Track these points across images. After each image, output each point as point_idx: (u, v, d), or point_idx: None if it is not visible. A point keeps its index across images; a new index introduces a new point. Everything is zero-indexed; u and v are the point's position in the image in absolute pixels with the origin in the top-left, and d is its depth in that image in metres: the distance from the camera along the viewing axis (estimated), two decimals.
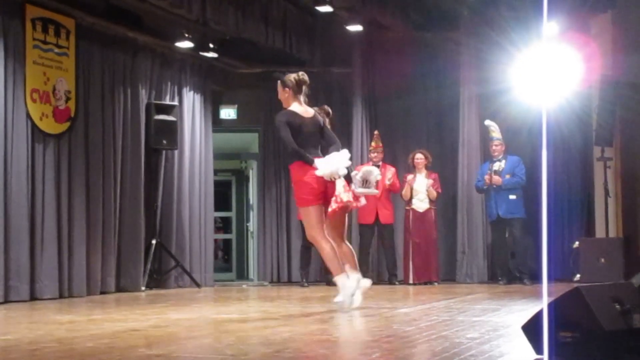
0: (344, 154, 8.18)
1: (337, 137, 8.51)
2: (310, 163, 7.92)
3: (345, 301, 7.92)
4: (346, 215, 9.00)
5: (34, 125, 10.41)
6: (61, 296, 10.57)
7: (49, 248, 10.52)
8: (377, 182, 9.98)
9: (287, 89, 8.12)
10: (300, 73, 8.17)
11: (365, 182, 8.69)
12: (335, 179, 8.05)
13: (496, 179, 12.68)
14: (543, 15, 4.19)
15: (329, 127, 8.58)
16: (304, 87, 8.18)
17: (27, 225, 10.21)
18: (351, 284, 7.98)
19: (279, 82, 8.17)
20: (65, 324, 7.31)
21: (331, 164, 7.96)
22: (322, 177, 7.92)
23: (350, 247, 8.94)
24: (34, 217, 10.38)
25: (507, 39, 12.37)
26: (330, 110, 9.00)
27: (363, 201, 9.16)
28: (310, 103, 14.37)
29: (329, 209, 8.40)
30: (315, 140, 8.14)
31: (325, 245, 7.99)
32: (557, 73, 10.85)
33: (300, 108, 8.12)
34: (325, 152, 8.16)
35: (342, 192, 8.75)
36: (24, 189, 10.20)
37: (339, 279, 7.98)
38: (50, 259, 10.49)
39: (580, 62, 11.62)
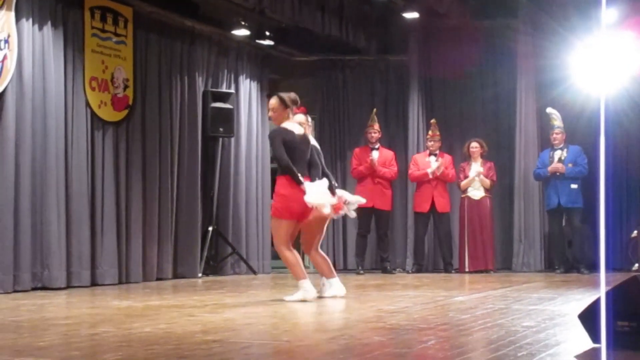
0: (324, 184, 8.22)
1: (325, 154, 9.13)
2: (299, 183, 8.05)
3: (294, 299, 8.06)
4: (324, 226, 8.93)
5: (93, 113, 10.53)
6: (120, 282, 10.69)
7: (109, 235, 10.64)
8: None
9: (287, 109, 8.29)
10: (294, 94, 8.39)
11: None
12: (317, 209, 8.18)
13: (559, 166, 12.55)
14: (602, 1, 4.14)
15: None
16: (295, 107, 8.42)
17: (87, 212, 10.34)
18: (312, 293, 8.10)
19: (279, 100, 8.30)
20: (124, 309, 7.40)
21: (321, 197, 8.05)
22: (302, 200, 8.02)
23: (323, 254, 8.88)
24: (94, 204, 10.51)
25: (565, 27, 12.26)
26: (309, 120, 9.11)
27: (352, 214, 9.17)
28: (368, 91, 14.47)
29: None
30: (304, 158, 8.30)
31: (288, 254, 8.16)
32: (617, 61, 10.72)
33: (294, 126, 8.29)
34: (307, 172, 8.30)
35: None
36: (84, 176, 10.33)
37: (302, 283, 8.11)
38: (109, 246, 10.62)
39: None
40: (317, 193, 8.03)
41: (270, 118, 8.56)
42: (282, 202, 8.11)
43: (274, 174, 14.71)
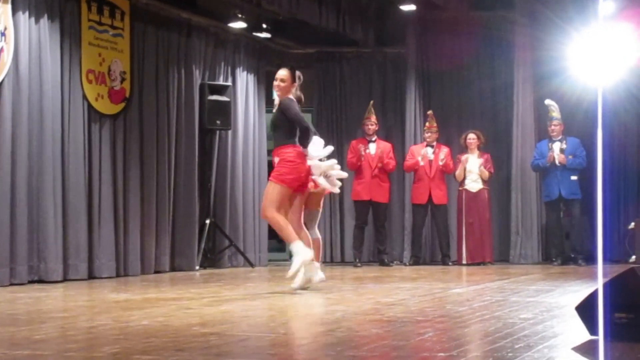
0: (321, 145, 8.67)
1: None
2: (306, 147, 8.36)
3: (296, 272, 8.12)
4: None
5: (90, 106, 10.51)
6: (118, 275, 10.69)
7: (106, 227, 10.63)
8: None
9: (294, 84, 8.49)
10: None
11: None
12: (321, 175, 8.57)
13: (562, 157, 12.55)
14: None
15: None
16: None
17: (84, 204, 10.33)
18: (309, 253, 8.11)
19: (291, 73, 8.48)
20: (121, 302, 7.40)
21: (328, 165, 8.61)
22: (309, 170, 8.35)
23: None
24: (91, 197, 10.50)
25: (562, 18, 12.24)
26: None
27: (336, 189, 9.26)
28: (365, 83, 14.46)
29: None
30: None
31: (279, 217, 8.15)
32: (614, 52, 10.69)
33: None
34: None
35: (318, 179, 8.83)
36: (81, 169, 10.32)
37: (295, 246, 8.08)
38: (107, 238, 10.61)
39: (638, 41, 11.45)
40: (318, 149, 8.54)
41: (275, 88, 8.53)
42: (289, 170, 8.17)
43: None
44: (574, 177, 12.59)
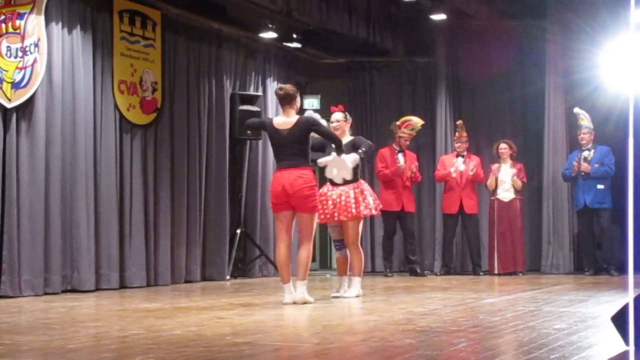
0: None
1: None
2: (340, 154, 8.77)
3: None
4: None
5: (121, 116, 10.58)
6: (149, 284, 10.72)
7: (137, 237, 10.68)
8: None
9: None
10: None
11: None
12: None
13: (585, 166, 12.45)
14: (631, 1, 4.12)
15: None
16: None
17: (116, 214, 10.38)
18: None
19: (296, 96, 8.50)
20: (153, 312, 7.42)
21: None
22: None
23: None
24: (122, 206, 10.56)
25: (594, 27, 12.19)
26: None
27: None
28: (395, 93, 14.43)
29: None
30: None
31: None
32: None
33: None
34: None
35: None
36: (113, 179, 10.38)
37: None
38: (138, 248, 10.65)
39: None
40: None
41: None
42: (316, 195, 8.27)
43: None
44: (600, 186, 12.45)
